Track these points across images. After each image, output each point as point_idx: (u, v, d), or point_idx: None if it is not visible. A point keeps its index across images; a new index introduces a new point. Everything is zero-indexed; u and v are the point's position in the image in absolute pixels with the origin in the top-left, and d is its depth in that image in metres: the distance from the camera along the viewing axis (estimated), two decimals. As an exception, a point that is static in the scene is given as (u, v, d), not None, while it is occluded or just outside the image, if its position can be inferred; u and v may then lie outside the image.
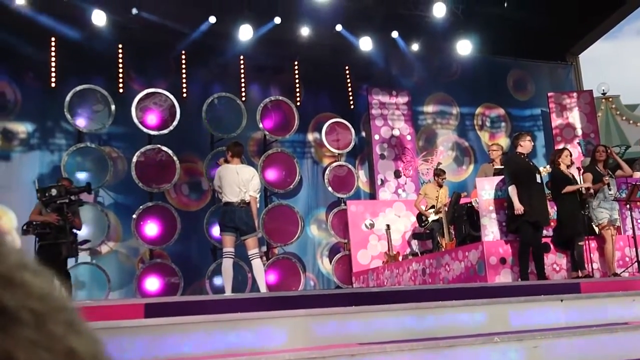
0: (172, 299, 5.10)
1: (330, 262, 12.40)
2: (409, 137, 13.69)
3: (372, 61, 13.71)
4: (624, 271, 8.43)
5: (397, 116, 13.69)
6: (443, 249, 9.69)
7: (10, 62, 11.05)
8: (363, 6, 12.92)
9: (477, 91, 14.78)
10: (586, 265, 8.29)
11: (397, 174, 13.39)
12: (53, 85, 11.13)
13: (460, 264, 8.71)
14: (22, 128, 11.05)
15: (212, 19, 11.93)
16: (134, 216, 10.72)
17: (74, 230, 8.19)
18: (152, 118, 11.31)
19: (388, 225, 11.43)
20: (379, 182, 13.24)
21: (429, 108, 14.46)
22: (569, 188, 8.15)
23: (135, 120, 11.03)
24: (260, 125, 12.08)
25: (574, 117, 14.59)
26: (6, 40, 10.80)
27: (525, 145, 8.21)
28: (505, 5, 13.74)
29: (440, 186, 10.73)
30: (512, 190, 7.93)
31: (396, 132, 13.59)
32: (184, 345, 3.81)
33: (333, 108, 13.40)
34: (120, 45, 11.61)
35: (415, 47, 13.90)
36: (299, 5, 12.39)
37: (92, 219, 10.72)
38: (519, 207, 7.78)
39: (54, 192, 7.87)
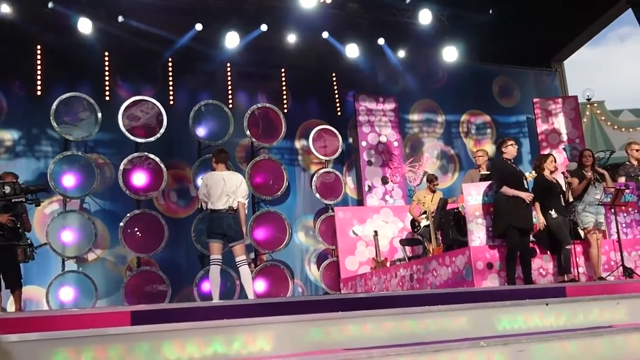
0: (159, 306, 5.09)
1: (318, 269, 12.40)
2: (396, 144, 13.73)
3: (358, 68, 13.76)
4: (609, 275, 8.50)
5: (384, 123, 13.74)
6: (430, 255, 9.73)
7: (-5, 70, 11.01)
8: (349, 13, 12.96)
9: (462, 98, 14.86)
10: (572, 269, 8.35)
11: (385, 180, 13.43)
12: (39, 93, 11.09)
13: (448, 269, 8.75)
14: (7, 136, 10.99)
15: (199, 26, 11.92)
16: (121, 224, 10.69)
17: (25, 233, 7.58)
18: (138, 126, 11.29)
19: (376, 232, 11.45)
20: (367, 189, 13.27)
21: (415, 116, 14.52)
22: (507, 190, 8.10)
23: (122, 128, 11.00)
24: (247, 132, 12.08)
25: (559, 122, 14.70)
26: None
27: (508, 151, 8.28)
28: (491, 12, 13.84)
29: (433, 192, 10.77)
30: (506, 190, 7.98)
31: (383, 139, 13.64)
32: (171, 352, 3.80)
33: (320, 115, 13.42)
34: (106, 53, 11.59)
35: (401, 53, 13.96)
36: (285, 12, 12.41)
37: (79, 226, 10.68)
38: (528, 195, 8.00)
39: (7, 189, 7.17)
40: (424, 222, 10.52)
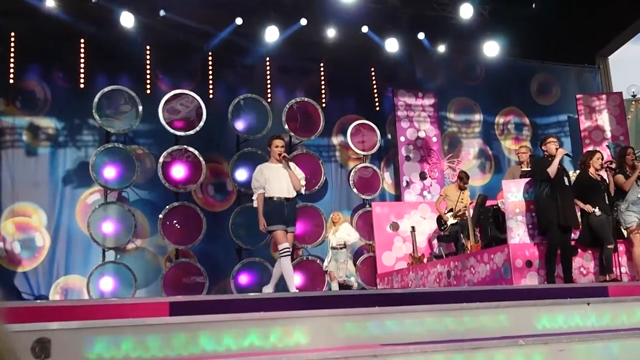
0: (197, 298, 5.14)
1: (355, 264, 12.38)
2: (434, 139, 13.62)
3: (397, 62, 13.66)
4: (653, 275, 8.30)
5: (423, 118, 13.63)
6: (468, 251, 9.62)
7: (40, 62, 11.22)
8: (389, 7, 12.88)
9: (500, 95, 14.67)
10: (614, 269, 8.18)
11: (423, 176, 13.33)
12: (82, 85, 11.27)
13: (486, 267, 8.64)
14: (51, 124, 11.22)
15: (239, 21, 11.98)
16: (160, 216, 10.82)
17: None
18: (178, 119, 11.40)
19: (413, 227, 11.39)
20: (404, 184, 13.19)
21: (452, 114, 14.38)
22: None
23: (163, 122, 11.13)
24: (286, 127, 12.10)
25: (603, 119, 14.40)
26: (37, 41, 10.98)
27: (549, 148, 8.13)
28: (534, 6, 13.61)
29: (462, 189, 10.65)
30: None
31: (422, 134, 13.53)
32: (207, 343, 3.83)
33: (358, 110, 13.38)
34: (147, 47, 11.72)
35: (441, 48, 13.82)
36: (325, 6, 12.39)
37: (120, 217, 10.84)
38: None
39: None
40: (450, 221, 10.42)
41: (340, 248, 10.36)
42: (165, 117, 11.21)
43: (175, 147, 11.21)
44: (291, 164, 7.55)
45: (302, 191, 7.56)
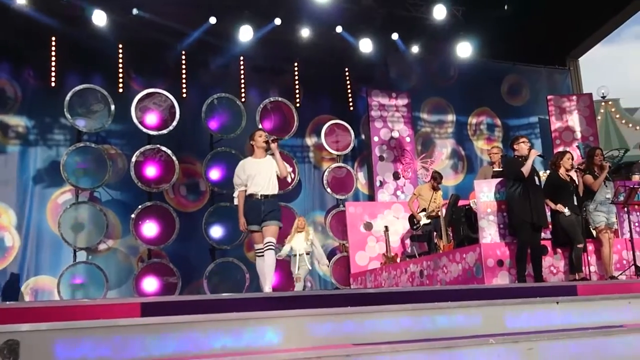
0: (169, 299, 5.11)
1: (328, 264, 12.40)
2: (408, 139, 13.71)
3: (371, 63, 13.73)
4: (621, 274, 8.44)
5: (397, 118, 13.71)
6: (441, 251, 9.69)
7: (11, 60, 11.11)
8: (363, 8, 12.93)
9: (473, 96, 14.82)
10: (583, 268, 8.29)
11: (396, 176, 13.40)
12: (53, 84, 11.15)
13: (458, 266, 8.72)
14: (21, 123, 11.08)
15: (213, 20, 11.94)
16: (133, 216, 10.74)
17: None
18: (151, 118, 11.32)
19: (386, 227, 11.43)
20: (378, 184, 13.26)
21: (426, 114, 14.48)
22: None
23: (135, 120, 11.05)
24: (260, 126, 12.08)
25: (574, 120, 14.61)
26: (7, 39, 10.84)
27: (519, 148, 8.21)
28: (506, 8, 13.76)
29: (435, 189, 10.72)
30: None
31: (395, 134, 13.61)
32: (179, 344, 3.81)
33: (332, 110, 13.42)
34: (120, 45, 11.63)
35: (415, 49, 13.91)
36: (299, 6, 12.40)
37: (91, 217, 10.74)
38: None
39: None
40: (423, 220, 10.49)
41: (307, 254, 10.27)
42: (138, 116, 11.13)
43: (148, 147, 11.13)
44: (279, 155, 7.08)
45: (289, 179, 7.28)
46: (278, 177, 7.05)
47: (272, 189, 6.98)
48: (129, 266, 11.22)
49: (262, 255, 6.90)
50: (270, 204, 6.92)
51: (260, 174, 6.94)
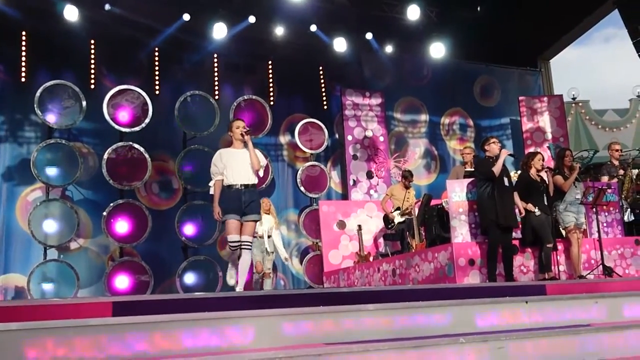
0: (141, 298, 5.08)
1: (301, 263, 12.43)
2: (381, 139, 13.78)
3: (346, 62, 13.77)
4: (589, 273, 8.58)
5: (371, 117, 13.76)
6: (413, 250, 9.77)
7: (-21, 55, 10.92)
8: (337, 7, 12.96)
9: (446, 96, 14.94)
10: (553, 268, 8.42)
11: (370, 175, 13.46)
12: (23, 79, 10.99)
13: (430, 265, 8.79)
14: (-10, 121, 10.93)
15: (186, 17, 11.88)
16: (104, 213, 10.65)
17: None
18: (123, 115, 11.23)
19: (359, 226, 11.48)
20: (351, 183, 13.30)
21: (399, 114, 14.56)
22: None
23: (107, 117, 10.95)
24: (238, 118, 12.03)
25: (545, 121, 14.80)
26: (-25, 34, 10.67)
27: (490, 149, 8.31)
28: (479, 9, 13.89)
29: (407, 188, 10.79)
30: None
31: (369, 133, 13.67)
32: (151, 344, 3.81)
33: (306, 108, 13.42)
34: (92, 41, 11.51)
35: (389, 49, 13.98)
36: (273, 4, 12.39)
37: (62, 215, 10.62)
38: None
39: None
40: (397, 219, 10.55)
41: (269, 237, 10.01)
42: (110, 113, 11.03)
43: (120, 144, 11.04)
44: (256, 151, 6.88)
45: (261, 173, 6.96)
46: None
47: (252, 178, 6.80)
48: (100, 265, 11.12)
49: (236, 249, 6.72)
50: (251, 193, 6.74)
51: (238, 163, 6.76)
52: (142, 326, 3.87)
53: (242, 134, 6.81)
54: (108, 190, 11.06)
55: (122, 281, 10.74)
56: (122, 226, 10.86)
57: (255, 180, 6.83)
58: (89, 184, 11.26)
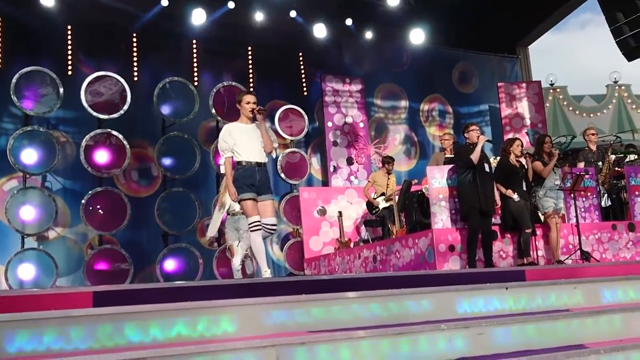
0: (121, 287, 5.05)
1: (282, 249, 12.44)
2: (361, 125, 13.79)
3: (325, 48, 13.74)
4: (567, 258, 8.69)
5: (351, 104, 13.76)
6: (394, 236, 9.81)
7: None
8: (317, -7, 12.91)
9: (425, 83, 15.00)
10: (531, 253, 8.51)
11: (350, 161, 13.48)
12: (-1, 66, 10.83)
13: (410, 251, 8.84)
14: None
15: (165, 2, 11.76)
16: (83, 201, 10.55)
17: None
18: (101, 102, 11.07)
19: (340, 212, 11.51)
20: (332, 169, 13.31)
21: (379, 100, 14.58)
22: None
23: (85, 104, 10.82)
24: (213, 111, 11.98)
25: (523, 107, 14.91)
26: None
27: (470, 136, 8.36)
28: (459, -5, 13.90)
29: (389, 173, 10.83)
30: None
31: (349, 120, 13.67)
32: (133, 334, 3.79)
33: (286, 95, 13.37)
34: (69, 27, 11.35)
35: (368, 34, 13.97)
36: (253, -10, 12.31)
37: (40, 203, 10.51)
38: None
39: None
40: (382, 204, 10.59)
41: (242, 213, 8.82)
42: (88, 99, 10.89)
43: (99, 131, 10.92)
44: (265, 127, 6.53)
45: (274, 155, 6.63)
46: None
47: (264, 157, 6.43)
48: (78, 253, 11.03)
49: (259, 229, 6.24)
50: (263, 172, 6.38)
51: (250, 140, 6.35)
52: (123, 316, 3.85)
53: (252, 111, 6.39)
54: (86, 178, 10.96)
55: (101, 269, 10.66)
56: (99, 214, 10.76)
57: (266, 159, 6.47)
58: (67, 173, 11.14)
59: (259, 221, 6.24)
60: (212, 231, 8.86)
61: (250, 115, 6.43)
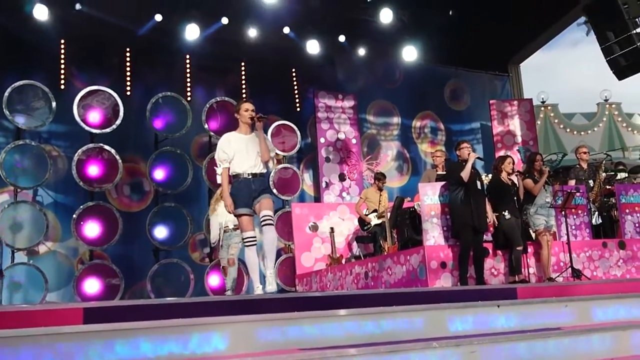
0: (112, 304, 5.03)
1: (274, 265, 12.37)
2: (354, 141, 13.82)
3: (319, 64, 13.79)
4: (558, 276, 8.70)
5: (343, 120, 13.81)
6: (385, 253, 9.81)
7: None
8: (310, 9, 12.97)
9: (417, 100, 15.09)
10: (523, 270, 8.52)
11: (342, 177, 13.50)
12: (-9, 80, 10.81)
13: (402, 268, 8.84)
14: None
15: (159, 17, 11.79)
16: (74, 216, 10.51)
17: None
18: (94, 116, 11.08)
19: (332, 228, 11.51)
20: (324, 185, 13.32)
21: (372, 117, 14.64)
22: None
23: (77, 118, 10.80)
24: (206, 126, 11.98)
25: (515, 124, 14.98)
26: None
27: (462, 153, 8.40)
28: (451, 13, 14.01)
29: (381, 190, 10.85)
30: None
31: (342, 136, 13.71)
32: (124, 352, 3.76)
33: (279, 110, 13.38)
34: (62, 41, 11.36)
35: (361, 51, 14.05)
36: (246, 6, 12.35)
37: (30, 218, 10.46)
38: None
39: None
40: (374, 221, 10.60)
41: (235, 229, 8.71)
42: (80, 114, 10.88)
43: (91, 145, 10.90)
44: (264, 135, 6.38)
45: (270, 165, 6.48)
46: None
47: (261, 167, 6.27)
48: (69, 268, 10.97)
49: (254, 244, 6.16)
50: (260, 182, 6.24)
51: (248, 151, 6.22)
52: (114, 334, 3.82)
53: (251, 118, 6.27)
54: (77, 192, 10.93)
55: (91, 285, 10.60)
56: (92, 229, 10.72)
57: (264, 170, 6.32)
58: (58, 187, 11.11)
59: (254, 237, 6.17)
60: (214, 236, 8.92)
61: (250, 122, 6.33)
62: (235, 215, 6.30)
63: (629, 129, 18.83)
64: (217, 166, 6.40)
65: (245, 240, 6.22)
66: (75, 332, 3.79)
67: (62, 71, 11.36)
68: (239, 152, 6.21)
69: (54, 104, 10.70)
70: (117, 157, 10.95)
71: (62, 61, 11.37)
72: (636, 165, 13.43)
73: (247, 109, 6.34)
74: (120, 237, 10.82)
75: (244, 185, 6.16)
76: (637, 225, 9.76)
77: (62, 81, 11.35)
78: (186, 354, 3.91)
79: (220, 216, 8.80)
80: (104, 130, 11.00)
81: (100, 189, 10.96)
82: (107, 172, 10.95)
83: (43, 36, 11.01)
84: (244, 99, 6.73)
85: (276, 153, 6.75)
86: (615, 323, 5.46)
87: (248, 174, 6.18)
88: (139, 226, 11.24)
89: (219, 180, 6.39)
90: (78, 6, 11.17)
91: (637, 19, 10.52)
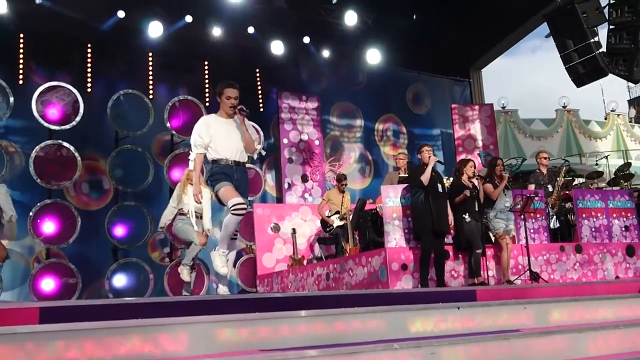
0: (69, 303, 4.93)
1: (234, 266, 12.31)
2: (317, 142, 13.83)
3: (283, 65, 13.76)
4: (517, 278, 8.83)
5: (307, 121, 13.80)
6: (347, 254, 9.83)
7: None
8: (275, 10, 12.94)
9: (380, 103, 15.17)
10: (482, 273, 8.62)
11: (305, 179, 13.49)
12: (-54, 73, 10.54)
13: (364, 269, 8.86)
14: None
15: (121, 13, 11.63)
16: (31, 214, 10.29)
17: None
18: (53, 112, 10.87)
19: (294, 229, 11.48)
20: (286, 186, 13.29)
21: (335, 118, 14.67)
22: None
23: (36, 114, 10.58)
24: (168, 125, 11.85)
25: (476, 129, 15.17)
26: None
27: (423, 157, 8.48)
28: (414, 17, 14.13)
29: (343, 192, 10.87)
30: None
31: (305, 137, 13.70)
32: (80, 352, 3.69)
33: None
34: (21, 35, 11.12)
35: (325, 53, 14.07)
36: (210, 5, 12.27)
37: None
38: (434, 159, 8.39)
39: None
40: (337, 222, 10.61)
41: (200, 217, 8.14)
42: (39, 109, 10.66)
43: (49, 142, 10.69)
44: (248, 122, 5.99)
45: (255, 155, 6.19)
46: None
47: (244, 156, 5.94)
48: (24, 267, 10.74)
49: (242, 213, 5.74)
50: (242, 173, 5.91)
51: (229, 136, 5.88)
52: (71, 334, 3.74)
53: (232, 107, 5.92)
54: (34, 190, 10.70)
55: (48, 284, 10.39)
56: (49, 227, 10.51)
57: (246, 159, 5.98)
58: (14, 184, 10.83)
59: (244, 203, 5.76)
60: (162, 222, 8.37)
61: (230, 112, 5.99)
62: (216, 194, 5.87)
63: (586, 135, 19.22)
64: (191, 151, 6.05)
65: (233, 207, 5.71)
66: (31, 332, 3.70)
67: (21, 66, 11.14)
68: (218, 137, 5.84)
69: (11, 99, 10.46)
70: (77, 154, 10.75)
71: (21, 56, 11.14)
72: (593, 170, 13.73)
73: (229, 97, 5.96)
74: (78, 236, 10.62)
75: (226, 169, 5.80)
76: (593, 229, 9.96)
77: (21, 76, 11.12)
78: (144, 354, 3.85)
79: (187, 199, 8.06)
80: (63, 127, 10.80)
81: (58, 187, 10.75)
82: (65, 170, 10.74)
83: (1, 30, 10.77)
84: (228, 82, 6.12)
85: (260, 144, 6.35)
86: (572, 326, 5.55)
87: (232, 161, 5.85)
88: (98, 225, 11.06)
89: (190, 166, 6.02)
90: (38, 0, 10.93)
91: (595, 28, 10.72)
